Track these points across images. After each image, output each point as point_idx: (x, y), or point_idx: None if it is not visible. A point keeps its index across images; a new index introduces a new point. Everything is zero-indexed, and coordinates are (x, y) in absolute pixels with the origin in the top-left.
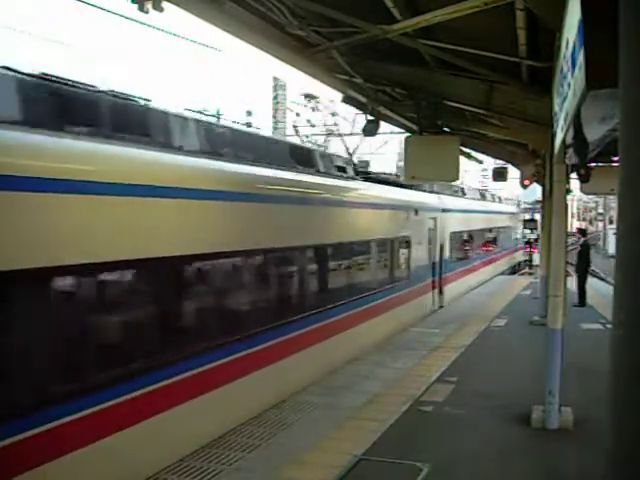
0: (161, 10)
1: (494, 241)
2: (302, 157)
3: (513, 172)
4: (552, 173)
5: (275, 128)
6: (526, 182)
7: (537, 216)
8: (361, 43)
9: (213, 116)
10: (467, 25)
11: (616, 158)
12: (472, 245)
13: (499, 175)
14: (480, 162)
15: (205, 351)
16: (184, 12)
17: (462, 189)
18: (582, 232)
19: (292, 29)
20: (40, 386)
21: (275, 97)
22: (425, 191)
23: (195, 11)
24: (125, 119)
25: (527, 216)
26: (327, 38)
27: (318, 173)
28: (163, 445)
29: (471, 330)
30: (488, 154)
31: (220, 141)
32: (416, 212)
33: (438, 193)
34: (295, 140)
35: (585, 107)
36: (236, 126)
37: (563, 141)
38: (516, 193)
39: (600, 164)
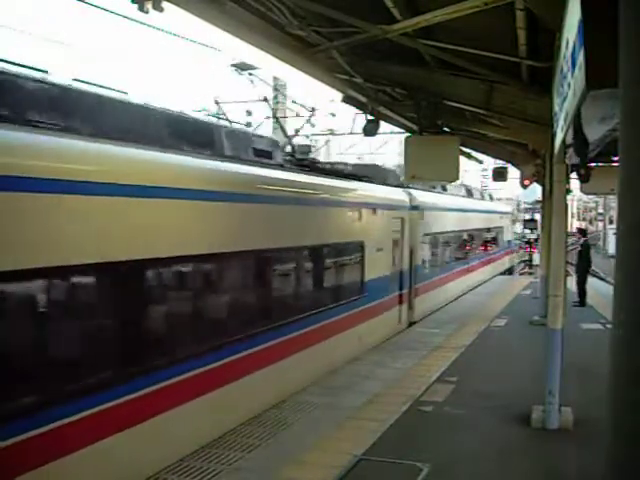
0: (161, 10)
1: (482, 244)
2: (195, 135)
3: (513, 172)
4: (552, 173)
5: (275, 128)
6: (526, 182)
7: (537, 216)
8: (361, 43)
9: (213, 116)
10: (467, 25)
11: (616, 158)
12: (453, 249)
13: (499, 175)
14: (480, 162)
15: None
16: (184, 12)
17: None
18: (582, 232)
19: (292, 29)
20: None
21: (275, 97)
22: (390, 185)
23: (195, 11)
24: None
25: (527, 216)
26: (327, 38)
27: (221, 157)
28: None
29: (471, 330)
30: (488, 154)
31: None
32: (374, 211)
33: (408, 187)
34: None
35: (585, 107)
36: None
37: (563, 141)
38: (516, 193)
39: (600, 164)
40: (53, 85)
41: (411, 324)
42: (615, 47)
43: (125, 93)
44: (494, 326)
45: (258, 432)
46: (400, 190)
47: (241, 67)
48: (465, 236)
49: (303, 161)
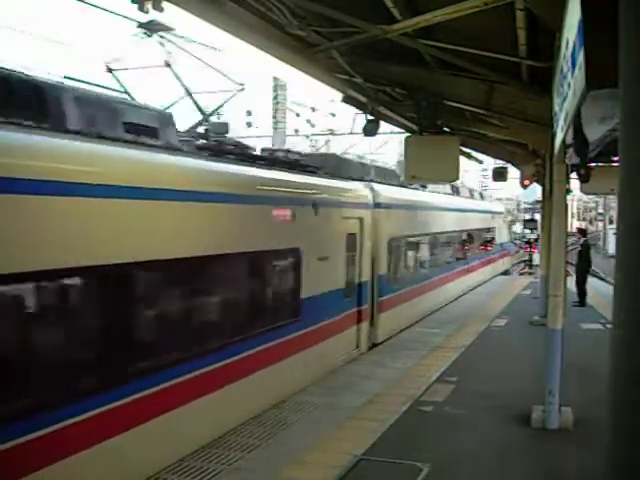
0: (161, 10)
1: (469, 247)
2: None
3: (513, 172)
4: (552, 173)
5: (275, 128)
6: (526, 182)
7: (537, 216)
8: (361, 43)
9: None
10: (467, 25)
11: (616, 158)
12: (431, 254)
13: (499, 175)
14: (480, 162)
15: None
16: (184, 12)
17: None
18: (582, 232)
19: (292, 29)
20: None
21: (275, 97)
22: (344, 178)
23: (195, 11)
24: None
25: (527, 216)
26: (327, 38)
27: (58, 131)
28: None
29: (471, 330)
30: (488, 154)
31: None
32: (315, 209)
33: (371, 181)
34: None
35: (585, 107)
36: None
37: (563, 141)
38: (516, 193)
39: (600, 164)
40: None
41: (375, 345)
42: (615, 47)
43: None
44: (494, 326)
45: (258, 432)
46: (360, 185)
47: (150, 28)
48: (447, 239)
49: (222, 144)
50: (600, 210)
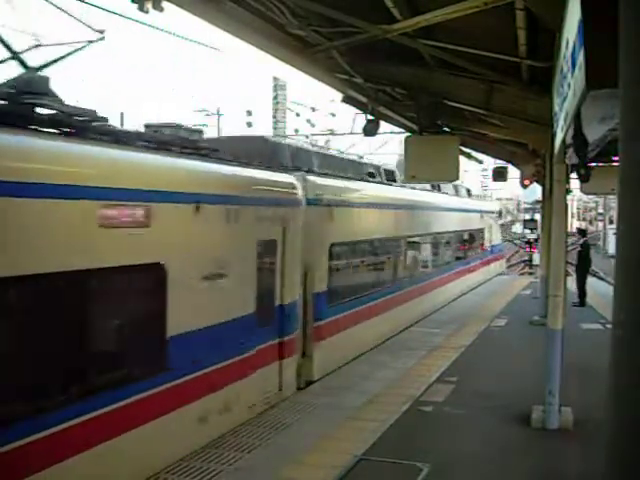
0: (161, 10)
1: (450, 252)
2: None
3: (513, 172)
4: (552, 173)
5: (275, 128)
6: (526, 182)
7: (537, 216)
8: (361, 43)
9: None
10: (467, 25)
11: (616, 158)
12: (397, 261)
13: (499, 175)
14: (480, 162)
15: None
16: (184, 12)
17: (377, 168)
18: (582, 232)
19: (292, 29)
20: None
21: (275, 97)
22: (270, 167)
23: (195, 11)
24: None
25: (527, 216)
26: (327, 38)
27: None
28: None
29: (471, 330)
30: (488, 154)
31: None
32: (197, 207)
33: (308, 172)
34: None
35: (585, 107)
36: None
37: (563, 141)
38: (516, 193)
39: (600, 164)
40: None
41: (310, 383)
42: (615, 47)
43: None
44: (494, 326)
45: (258, 432)
46: (286, 176)
47: None
48: (423, 242)
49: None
50: (600, 210)
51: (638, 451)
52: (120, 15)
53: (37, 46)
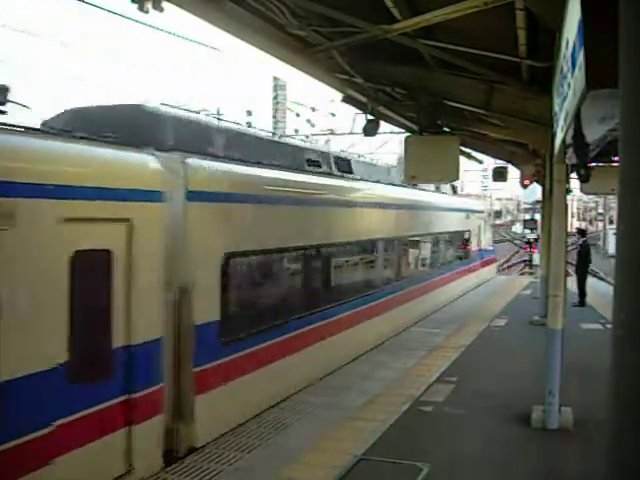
0: (161, 10)
1: (423, 258)
2: None
3: (513, 172)
4: (552, 173)
5: (275, 128)
6: (526, 182)
7: (537, 216)
8: (361, 43)
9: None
10: (467, 25)
11: (616, 158)
12: (328, 277)
13: (499, 175)
14: (480, 162)
15: None
16: (184, 12)
17: (325, 156)
18: (582, 232)
19: (292, 29)
20: None
21: (275, 97)
22: (100, 143)
23: (195, 11)
24: None
25: (527, 216)
26: (327, 38)
27: None
28: None
29: (471, 330)
30: (488, 154)
31: None
32: None
33: (188, 152)
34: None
35: (585, 107)
36: None
37: (563, 141)
38: (516, 193)
39: (600, 164)
40: None
41: (195, 449)
42: (615, 47)
43: None
44: (494, 326)
45: (258, 432)
46: (141, 158)
47: None
48: (376, 248)
49: None
50: (600, 210)
51: (638, 451)
52: (120, 15)
53: None
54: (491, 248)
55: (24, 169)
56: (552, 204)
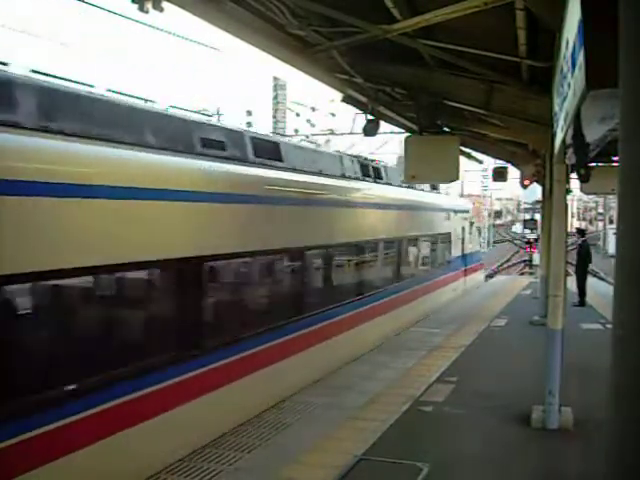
0: (161, 10)
1: (391, 266)
2: None
3: (513, 172)
4: (552, 173)
5: (275, 128)
6: (526, 182)
7: (537, 216)
8: (361, 43)
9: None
10: (467, 25)
11: (616, 158)
12: (224, 296)
13: (499, 175)
14: (480, 162)
15: None
16: (184, 12)
17: (229, 133)
18: (581, 232)
19: (292, 29)
20: None
21: (275, 97)
22: None
23: (195, 11)
24: None
25: (527, 216)
26: (327, 38)
27: None
28: None
29: (471, 330)
30: (488, 154)
31: None
32: None
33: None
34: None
35: (585, 107)
36: None
37: (563, 141)
38: (516, 193)
39: (600, 164)
40: None
41: None
42: (615, 47)
43: None
44: (494, 326)
45: (258, 432)
46: None
47: None
48: (319, 257)
49: None
50: (600, 210)
51: (638, 451)
52: (120, 15)
53: None
54: (479, 252)
55: None
56: (552, 204)
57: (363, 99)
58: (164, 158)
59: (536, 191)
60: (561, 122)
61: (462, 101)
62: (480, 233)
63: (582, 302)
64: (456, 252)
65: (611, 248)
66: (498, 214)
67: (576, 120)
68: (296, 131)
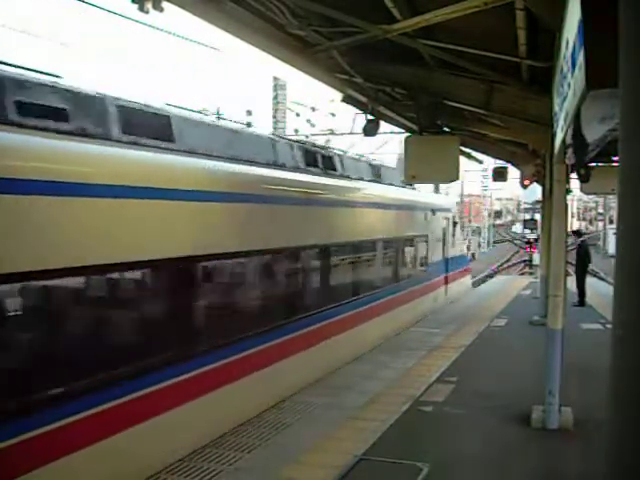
0: (161, 10)
1: (333, 282)
2: None
3: (513, 172)
4: (552, 173)
5: (275, 128)
6: (526, 182)
7: (537, 216)
8: (361, 43)
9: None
10: (467, 25)
11: (616, 158)
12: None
13: (499, 175)
14: (480, 162)
15: None
16: (184, 12)
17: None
18: (578, 233)
19: (292, 29)
20: None
21: (275, 97)
22: None
23: (195, 11)
24: None
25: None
26: (327, 38)
27: None
28: None
29: (471, 330)
30: (488, 154)
31: None
32: None
33: None
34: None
35: (585, 107)
36: None
37: (563, 141)
38: (516, 193)
39: (600, 164)
40: None
41: None
42: (615, 47)
43: None
44: (494, 326)
45: (258, 432)
46: None
47: None
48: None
49: None
50: (600, 210)
51: (638, 451)
52: (120, 15)
53: None
54: (464, 258)
55: None
56: (552, 204)
57: (363, 99)
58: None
59: (536, 191)
60: (561, 122)
61: (462, 101)
62: (480, 233)
63: (582, 302)
64: (434, 257)
65: (611, 248)
66: (498, 214)
67: (576, 120)
68: (296, 131)
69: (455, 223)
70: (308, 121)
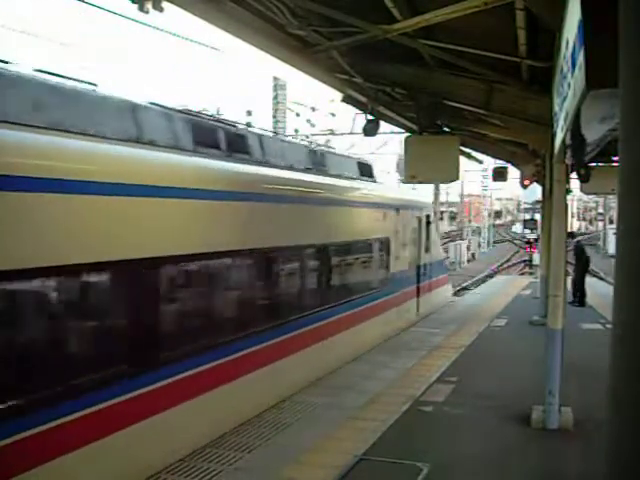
0: (161, 10)
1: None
2: None
3: (513, 172)
4: (552, 173)
5: (275, 128)
6: (526, 182)
7: (537, 216)
8: (361, 43)
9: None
10: (467, 25)
11: (616, 158)
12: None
13: (499, 175)
14: (480, 162)
15: None
16: (184, 12)
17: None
18: (572, 235)
19: (292, 29)
20: None
21: (275, 97)
22: None
23: (195, 11)
24: None
25: (527, 216)
26: (327, 38)
27: None
28: None
29: (471, 330)
30: (488, 154)
31: None
32: None
33: None
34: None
35: (585, 107)
36: None
37: (563, 141)
38: (516, 193)
39: (600, 164)
40: None
41: None
42: (615, 47)
43: None
44: (494, 326)
45: (258, 432)
46: None
47: None
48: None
49: None
50: (600, 210)
51: (638, 451)
52: (120, 15)
53: None
54: (441, 262)
55: None
56: (552, 204)
57: (363, 99)
58: None
59: (536, 191)
60: (561, 122)
61: (462, 101)
62: (480, 233)
63: (582, 302)
64: (399, 265)
65: (611, 248)
66: (498, 214)
67: (576, 120)
68: (296, 131)
69: (429, 223)
70: (308, 121)
